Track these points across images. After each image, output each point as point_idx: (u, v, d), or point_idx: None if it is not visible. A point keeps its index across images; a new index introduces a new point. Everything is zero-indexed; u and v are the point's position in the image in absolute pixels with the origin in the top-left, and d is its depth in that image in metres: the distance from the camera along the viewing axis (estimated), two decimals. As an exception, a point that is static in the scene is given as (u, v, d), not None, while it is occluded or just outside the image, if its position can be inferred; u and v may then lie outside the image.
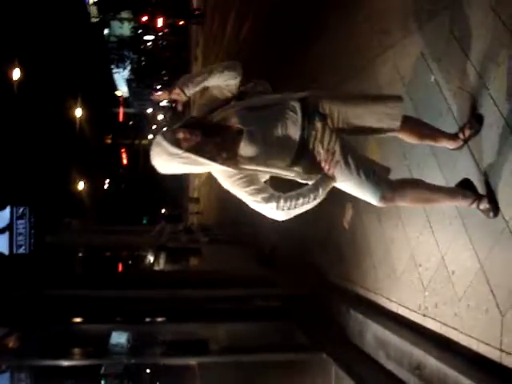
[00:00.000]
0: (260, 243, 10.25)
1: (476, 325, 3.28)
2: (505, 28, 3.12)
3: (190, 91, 2.85)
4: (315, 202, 2.79)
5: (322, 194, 2.79)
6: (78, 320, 6.22)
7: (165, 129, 2.74)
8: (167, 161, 2.63)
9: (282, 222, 2.92)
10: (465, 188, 3.19)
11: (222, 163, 2.69)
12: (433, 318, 3.78)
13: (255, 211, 2.88)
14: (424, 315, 3.89)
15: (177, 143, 2.59)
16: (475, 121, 3.31)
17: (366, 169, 2.94)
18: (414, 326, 3.99)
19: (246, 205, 2.88)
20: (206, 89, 2.90)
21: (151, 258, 13.76)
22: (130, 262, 17.28)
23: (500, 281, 3.08)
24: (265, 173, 2.83)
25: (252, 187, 2.77)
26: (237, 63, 2.91)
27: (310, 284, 6.18)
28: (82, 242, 18.38)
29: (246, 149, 2.75)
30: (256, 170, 2.77)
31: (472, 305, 3.32)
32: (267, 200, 2.76)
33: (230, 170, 2.72)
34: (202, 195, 30.33)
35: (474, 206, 3.15)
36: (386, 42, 4.81)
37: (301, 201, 2.76)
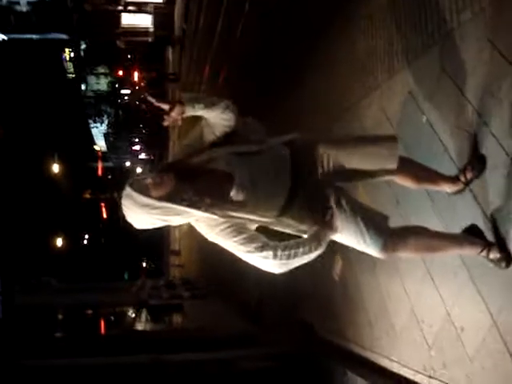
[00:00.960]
0: (245, 297, 9.83)
1: (492, 388, 2.93)
2: (504, 59, 2.87)
3: (191, 112, 2.48)
4: (316, 254, 2.47)
5: (323, 245, 2.47)
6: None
7: (133, 179, 2.35)
8: (140, 214, 2.29)
9: (279, 274, 2.54)
10: (472, 235, 2.89)
11: (206, 210, 2.35)
12: (440, 381, 3.41)
13: (238, 263, 2.54)
14: (430, 376, 3.52)
15: (147, 192, 2.24)
16: (477, 162, 3.03)
17: (364, 217, 2.66)
18: (419, 388, 3.63)
19: (229, 256, 2.54)
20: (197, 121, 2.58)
21: (132, 316, 13.29)
22: (112, 319, 16.73)
23: (518, 339, 2.75)
24: (254, 222, 2.50)
25: (243, 236, 2.43)
26: (235, 108, 2.58)
27: (300, 342, 5.78)
28: (60, 301, 17.76)
29: (235, 195, 2.43)
30: (245, 218, 2.45)
31: (486, 366, 2.97)
32: (261, 249, 2.43)
33: (215, 217, 2.39)
34: (183, 247, 29.81)
35: (483, 254, 2.83)
36: (371, 83, 4.58)
37: (301, 250, 2.44)
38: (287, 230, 2.61)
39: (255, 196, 2.48)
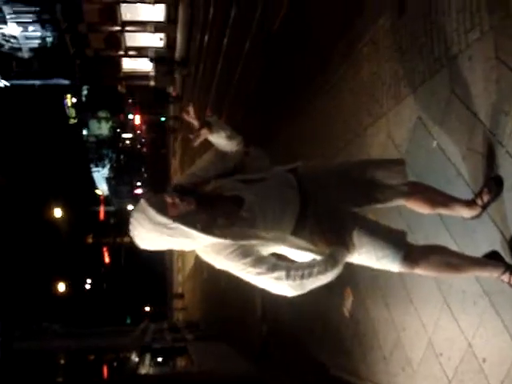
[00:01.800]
0: (250, 336, 9.59)
1: (520, 424, 2.74)
2: (517, 78, 2.78)
3: (215, 138, 2.42)
4: (332, 275, 2.34)
5: (339, 265, 2.35)
6: None
7: (150, 194, 2.25)
8: (150, 231, 2.17)
9: (292, 297, 2.41)
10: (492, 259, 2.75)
11: (219, 235, 2.24)
12: (463, 417, 3.22)
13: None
14: (452, 413, 3.33)
15: (164, 210, 2.13)
16: (494, 183, 2.90)
17: (380, 233, 2.56)
18: (440, 426, 3.42)
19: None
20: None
21: (136, 361, 12.99)
22: (115, 364, 16.40)
23: (547, 369, 2.58)
24: (264, 242, 2.37)
25: (252, 257, 2.30)
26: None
27: (311, 381, 5.56)
28: (62, 346, 17.45)
29: (245, 215, 2.33)
30: (254, 238, 2.32)
31: (513, 399, 2.79)
32: (273, 269, 2.30)
33: (224, 241, 2.27)
34: (186, 290, 29.49)
35: (505, 278, 2.69)
36: (377, 110, 4.50)
37: (316, 269, 2.30)
38: (299, 252, 2.48)
39: (264, 219, 2.37)
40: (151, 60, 28.86)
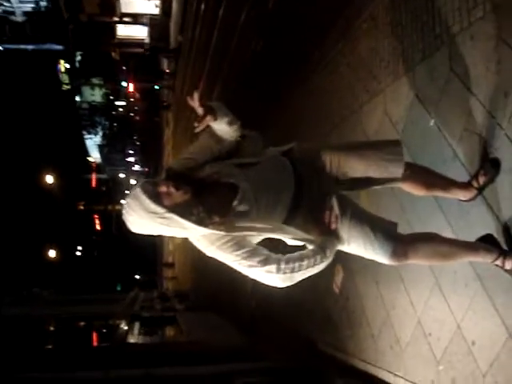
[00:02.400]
0: (240, 309, 9.63)
1: (507, 407, 2.75)
2: (520, 59, 2.73)
3: (217, 123, 2.34)
4: (322, 266, 2.34)
5: (329, 256, 2.34)
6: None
7: (145, 180, 2.19)
8: (143, 218, 2.12)
9: (283, 288, 2.39)
10: (487, 243, 2.72)
11: (213, 227, 2.21)
12: (450, 397, 3.23)
13: (234, 274, 2.39)
14: (438, 393, 3.34)
15: (158, 199, 2.09)
16: (490, 166, 2.86)
17: (371, 224, 2.53)
18: (427, 406, 3.44)
19: (224, 267, 2.39)
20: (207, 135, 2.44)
21: (125, 329, 13.05)
22: (104, 331, 16.48)
23: (536, 354, 2.58)
24: (257, 231, 2.34)
25: (244, 250, 2.27)
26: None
27: (298, 355, 5.58)
28: (52, 312, 17.49)
29: (238, 205, 2.28)
30: (248, 228, 2.29)
31: (500, 381, 2.79)
32: (264, 262, 2.27)
33: (218, 233, 2.24)
34: (176, 259, 29.59)
35: (498, 263, 2.67)
36: (374, 87, 4.43)
37: (305, 262, 2.29)
38: (292, 239, 2.45)
39: (258, 205, 2.33)
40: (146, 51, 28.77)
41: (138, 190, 2.10)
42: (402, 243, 2.55)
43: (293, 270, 2.28)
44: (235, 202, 2.27)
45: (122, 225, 2.22)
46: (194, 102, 2.26)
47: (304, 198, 2.47)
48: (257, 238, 2.37)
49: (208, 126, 2.35)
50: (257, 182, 2.37)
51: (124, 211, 2.17)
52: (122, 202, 2.15)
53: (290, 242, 2.45)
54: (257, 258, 2.27)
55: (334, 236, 2.39)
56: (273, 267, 2.27)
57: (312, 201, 2.49)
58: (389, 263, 2.56)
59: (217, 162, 2.40)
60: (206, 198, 2.23)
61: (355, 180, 2.63)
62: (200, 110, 2.28)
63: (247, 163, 2.43)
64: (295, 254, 2.33)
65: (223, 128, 2.38)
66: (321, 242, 2.35)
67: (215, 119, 2.30)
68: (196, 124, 2.30)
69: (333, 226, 2.39)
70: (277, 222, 2.41)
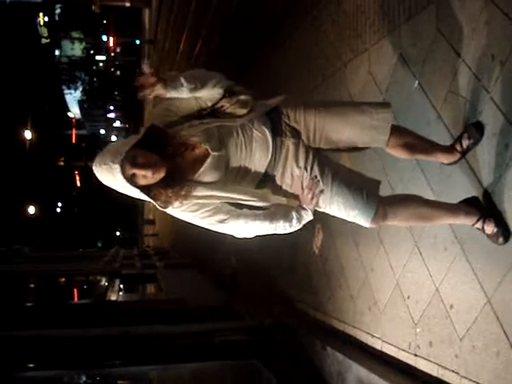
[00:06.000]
0: (219, 267, 9.65)
1: (484, 369, 2.76)
2: (507, 19, 2.65)
3: (174, 94, 2.25)
4: (293, 230, 2.42)
5: (302, 223, 2.42)
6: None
7: (124, 146, 2.13)
8: (113, 186, 2.17)
9: (247, 239, 2.52)
10: (468, 206, 2.70)
11: (179, 205, 2.30)
12: (427, 359, 3.25)
13: (213, 232, 2.41)
14: (416, 355, 3.36)
15: (134, 180, 2.14)
16: (474, 130, 2.81)
17: (351, 187, 2.49)
18: (403, 367, 3.46)
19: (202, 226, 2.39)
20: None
21: (105, 286, 13.05)
22: (85, 287, 16.50)
23: (514, 318, 2.58)
24: (220, 198, 2.32)
25: (209, 208, 2.34)
26: (227, 83, 2.38)
27: (277, 314, 5.61)
28: (33, 269, 17.44)
29: (204, 174, 2.28)
30: (209, 197, 2.30)
31: (478, 345, 2.80)
32: (238, 216, 2.36)
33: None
34: (157, 216, 29.55)
35: (478, 226, 2.65)
36: (359, 45, 4.34)
37: (281, 225, 2.40)
38: (260, 203, 2.41)
39: (229, 174, 2.33)
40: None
41: (117, 168, 2.07)
42: (382, 207, 2.52)
43: (267, 230, 2.40)
44: (202, 169, 2.26)
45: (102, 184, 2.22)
46: (146, 77, 2.17)
47: (280, 161, 2.42)
48: (223, 199, 2.36)
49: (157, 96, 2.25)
50: (231, 150, 2.32)
51: (95, 167, 2.16)
52: (94, 165, 2.14)
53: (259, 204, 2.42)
54: (221, 215, 2.33)
55: (308, 209, 2.40)
56: (241, 222, 2.36)
57: (290, 163, 2.44)
58: (369, 226, 2.53)
59: (198, 121, 2.31)
60: (178, 162, 2.23)
61: (336, 142, 2.58)
62: (151, 79, 2.18)
63: (227, 125, 2.35)
64: (270, 212, 2.40)
65: (188, 95, 2.29)
66: (297, 209, 2.40)
67: (166, 88, 2.20)
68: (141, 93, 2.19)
69: (313, 201, 2.39)
70: (246, 187, 2.38)
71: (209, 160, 2.25)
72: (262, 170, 2.39)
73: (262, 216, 2.37)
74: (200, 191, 2.26)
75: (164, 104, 2.34)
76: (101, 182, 2.20)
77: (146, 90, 2.17)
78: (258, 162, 2.38)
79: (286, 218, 2.38)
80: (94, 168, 2.16)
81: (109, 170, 2.10)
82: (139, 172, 2.11)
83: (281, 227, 2.39)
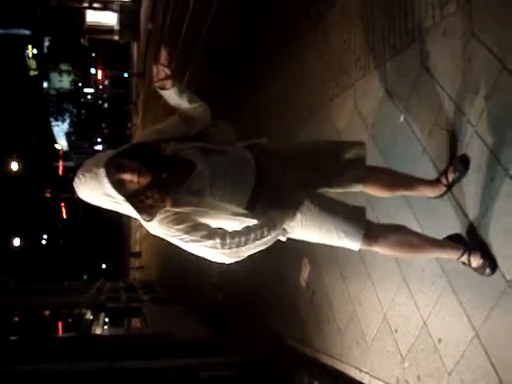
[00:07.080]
0: (206, 302, 9.56)
1: (472, 404, 2.74)
2: (491, 55, 2.70)
3: (175, 99, 2.39)
4: (269, 238, 2.29)
5: (277, 227, 2.32)
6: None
7: (107, 155, 2.14)
8: (96, 196, 2.13)
9: (229, 265, 2.42)
10: (454, 241, 2.72)
11: (160, 216, 2.24)
12: (415, 394, 3.22)
13: (201, 264, 2.37)
14: (404, 390, 3.33)
15: (120, 185, 2.09)
16: (460, 163, 2.84)
17: (337, 210, 2.52)
18: (391, 402, 3.43)
19: (191, 257, 2.35)
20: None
21: (90, 320, 12.87)
22: (70, 321, 16.27)
23: (502, 351, 2.56)
24: (203, 214, 2.32)
25: (187, 224, 2.24)
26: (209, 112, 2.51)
27: (265, 350, 5.55)
28: (17, 302, 17.19)
29: (192, 185, 2.29)
30: (195, 211, 2.29)
31: (467, 379, 2.79)
32: (208, 237, 2.24)
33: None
34: (144, 249, 29.34)
35: (464, 259, 2.66)
36: (344, 81, 4.39)
37: (252, 236, 2.25)
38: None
39: (212, 191, 2.32)
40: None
41: (102, 171, 2.06)
42: (372, 230, 2.54)
43: (239, 244, 2.24)
44: (189, 180, 2.26)
45: (88, 214, 2.22)
46: (162, 59, 2.25)
47: (266, 189, 2.44)
48: (207, 220, 2.33)
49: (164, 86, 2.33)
50: (216, 169, 2.35)
51: (77, 180, 2.13)
52: (77, 176, 2.12)
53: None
54: (200, 233, 2.23)
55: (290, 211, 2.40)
56: (217, 242, 2.23)
57: (274, 192, 2.46)
58: (357, 248, 2.53)
59: (183, 142, 2.39)
60: (163, 174, 2.23)
61: (319, 179, 2.64)
62: (167, 70, 2.28)
63: (212, 149, 2.41)
64: (242, 228, 2.31)
65: (186, 105, 2.39)
66: (269, 216, 2.34)
67: (172, 84, 2.31)
68: (155, 79, 2.30)
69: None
70: (234, 209, 2.38)
71: (195, 171, 2.28)
72: (248, 195, 2.41)
73: (245, 230, 2.32)
74: (186, 201, 2.25)
75: (154, 127, 2.47)
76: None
77: (159, 78, 2.28)
78: (241, 187, 2.41)
79: (265, 224, 2.30)
80: (75, 182, 2.14)
81: (93, 177, 2.08)
82: (125, 176, 2.10)
83: (265, 234, 2.29)
